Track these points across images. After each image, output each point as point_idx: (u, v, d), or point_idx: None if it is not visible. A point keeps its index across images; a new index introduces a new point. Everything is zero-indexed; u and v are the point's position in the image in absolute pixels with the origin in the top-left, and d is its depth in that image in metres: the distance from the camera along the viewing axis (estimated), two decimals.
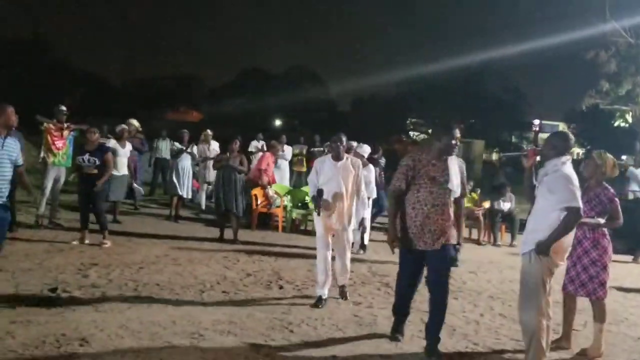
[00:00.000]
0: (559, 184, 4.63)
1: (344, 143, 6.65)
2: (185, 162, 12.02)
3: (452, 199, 5.17)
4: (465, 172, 5.37)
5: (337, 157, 6.56)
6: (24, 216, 10.12)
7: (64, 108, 10.20)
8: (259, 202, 11.43)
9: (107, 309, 5.78)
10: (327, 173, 6.53)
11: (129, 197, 12.38)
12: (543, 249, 4.61)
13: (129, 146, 10.90)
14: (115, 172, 10.18)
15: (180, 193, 11.77)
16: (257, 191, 11.45)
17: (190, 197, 12.80)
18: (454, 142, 5.10)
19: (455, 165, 5.17)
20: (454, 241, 5.22)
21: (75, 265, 7.43)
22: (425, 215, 5.04)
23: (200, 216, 12.59)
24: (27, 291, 6.12)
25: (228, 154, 10.13)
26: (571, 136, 5.07)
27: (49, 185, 9.76)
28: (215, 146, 13.11)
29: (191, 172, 12.32)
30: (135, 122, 12.63)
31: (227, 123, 35.31)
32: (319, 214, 6.47)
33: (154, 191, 14.77)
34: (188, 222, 11.80)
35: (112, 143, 10.77)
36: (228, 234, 10.01)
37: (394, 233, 5.27)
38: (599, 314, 5.49)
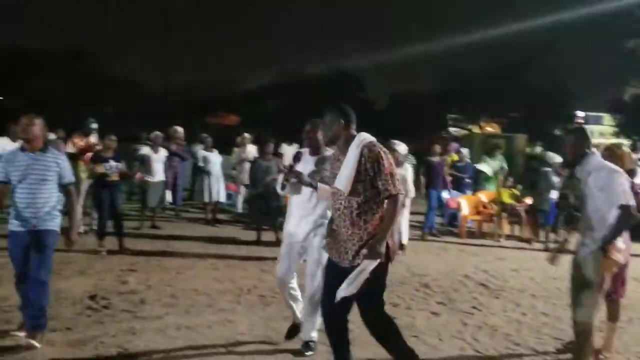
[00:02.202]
0: (609, 181, 4.45)
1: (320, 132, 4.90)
2: (215, 167, 12.08)
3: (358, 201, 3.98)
4: (381, 165, 3.94)
5: (315, 151, 5.13)
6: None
7: (94, 126, 10.37)
8: None
9: (145, 315, 5.83)
10: (301, 170, 5.00)
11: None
12: (604, 247, 4.44)
13: (162, 152, 10.97)
14: (150, 179, 10.36)
15: (211, 199, 11.85)
16: None
17: (225, 200, 12.86)
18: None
19: (349, 158, 3.99)
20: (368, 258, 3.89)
21: (114, 271, 7.53)
22: (333, 221, 4.19)
23: (238, 219, 12.64)
24: (68, 299, 6.22)
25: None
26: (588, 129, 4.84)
27: (81, 197, 9.90)
28: (252, 149, 13.18)
29: (221, 176, 12.36)
30: (179, 129, 12.69)
31: (265, 125, 35.47)
32: (282, 189, 5.09)
33: (193, 196, 14.87)
34: (226, 225, 11.85)
35: (145, 150, 10.91)
36: (265, 236, 10.04)
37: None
38: (615, 313, 5.26)
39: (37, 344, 4.83)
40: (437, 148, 12.06)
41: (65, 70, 40.11)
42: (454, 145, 14.14)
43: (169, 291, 6.74)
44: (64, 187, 5.20)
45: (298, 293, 5.25)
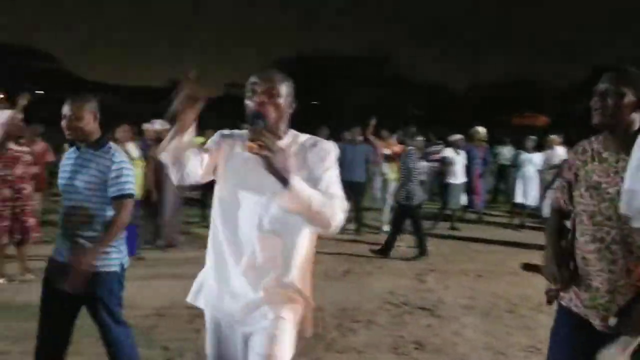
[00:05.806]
0: None
1: (283, 99, 2.36)
2: (528, 169, 11.62)
3: None
4: None
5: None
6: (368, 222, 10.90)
7: (413, 129, 10.73)
8: None
9: (442, 315, 5.84)
10: (236, 171, 2.43)
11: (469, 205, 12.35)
12: None
13: (463, 154, 10.96)
14: (453, 181, 10.48)
15: (520, 200, 11.43)
16: None
17: (533, 204, 12.32)
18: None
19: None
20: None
21: (413, 270, 7.69)
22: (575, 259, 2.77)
23: (544, 225, 12.02)
24: (369, 293, 6.51)
25: None
26: None
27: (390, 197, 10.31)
28: (560, 152, 12.47)
29: (536, 179, 11.85)
30: (481, 130, 12.49)
31: (577, 126, 33.41)
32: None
33: (496, 198, 14.59)
34: (531, 230, 11.34)
35: (448, 151, 10.95)
36: None
37: None
38: None
39: None
40: None
41: (370, 74, 42.72)
42: None
43: (467, 293, 6.66)
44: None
45: None
